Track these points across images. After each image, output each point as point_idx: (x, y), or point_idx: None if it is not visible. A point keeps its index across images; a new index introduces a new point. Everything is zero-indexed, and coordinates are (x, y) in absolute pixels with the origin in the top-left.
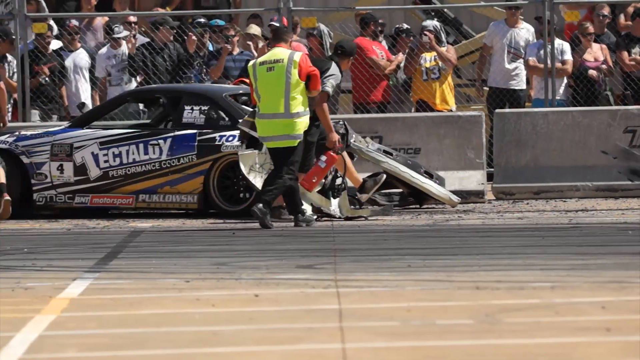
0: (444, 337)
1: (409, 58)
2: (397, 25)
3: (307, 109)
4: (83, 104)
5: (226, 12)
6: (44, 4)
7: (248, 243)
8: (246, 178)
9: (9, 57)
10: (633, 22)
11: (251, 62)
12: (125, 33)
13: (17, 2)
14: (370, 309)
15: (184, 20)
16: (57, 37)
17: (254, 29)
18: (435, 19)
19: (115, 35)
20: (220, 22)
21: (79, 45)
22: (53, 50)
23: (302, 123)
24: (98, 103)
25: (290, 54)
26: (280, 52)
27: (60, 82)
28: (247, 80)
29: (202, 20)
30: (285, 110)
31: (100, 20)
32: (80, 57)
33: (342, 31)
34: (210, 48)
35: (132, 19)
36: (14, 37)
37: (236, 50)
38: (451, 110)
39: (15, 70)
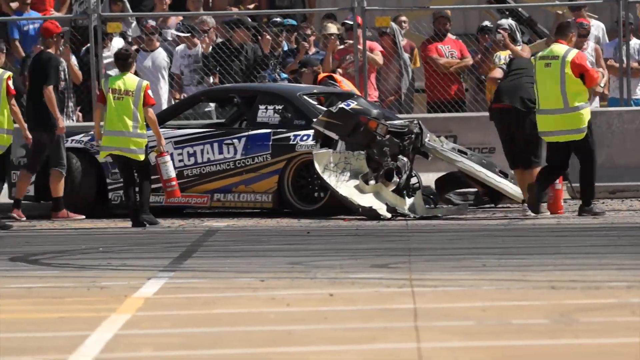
0: (520, 337)
1: (484, 57)
2: (482, 24)
3: (587, 102)
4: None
5: (301, 12)
6: (127, 4)
7: (323, 242)
8: (321, 177)
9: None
10: None
11: (532, 56)
12: (183, 34)
13: (91, 2)
14: (445, 308)
15: (258, 20)
16: (122, 36)
17: (332, 28)
18: (510, 18)
19: (178, 33)
20: (292, 22)
21: (157, 44)
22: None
23: (585, 116)
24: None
25: (566, 51)
26: (558, 49)
27: None
28: (335, 77)
29: (278, 19)
30: (564, 106)
31: (174, 20)
32: (158, 57)
33: (415, 30)
34: (285, 48)
35: (210, 21)
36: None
37: (312, 50)
38: None
39: (64, 68)
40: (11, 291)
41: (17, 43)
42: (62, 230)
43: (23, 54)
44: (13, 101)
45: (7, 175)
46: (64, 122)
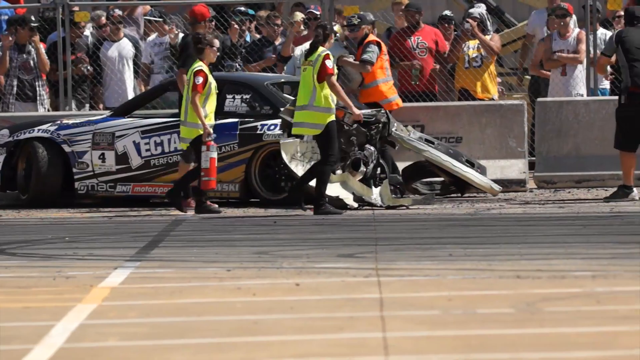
0: (485, 326)
1: (452, 46)
2: (442, 13)
3: None
4: None
5: (270, 0)
6: None
7: (289, 232)
8: (288, 167)
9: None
10: None
11: None
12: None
13: None
14: (411, 297)
15: (226, 9)
16: (96, 27)
17: (298, 17)
18: (479, 7)
19: (151, 18)
20: (250, 12)
21: (122, 35)
22: (83, 41)
23: None
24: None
25: None
26: None
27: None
28: (383, 48)
29: (242, 8)
30: None
31: (141, 10)
32: (124, 47)
33: (384, 19)
34: (248, 38)
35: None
36: (33, 24)
37: (278, 40)
38: (493, 99)
39: (34, 57)
40: None
41: None
42: (28, 220)
43: None
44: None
45: None
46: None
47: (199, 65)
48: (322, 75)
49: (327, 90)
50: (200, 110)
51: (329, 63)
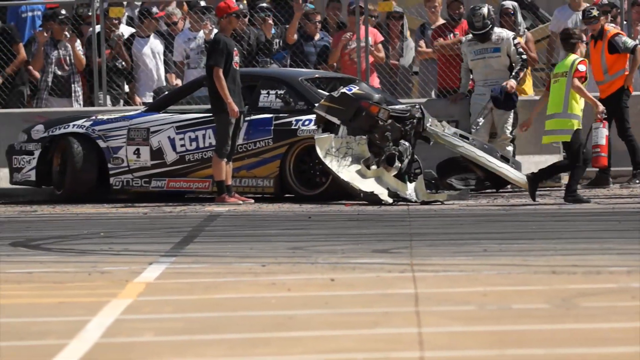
0: (520, 322)
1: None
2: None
3: None
4: (160, 89)
5: None
6: None
7: (324, 227)
8: (323, 162)
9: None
10: None
11: None
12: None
13: None
14: (446, 293)
15: (259, 4)
16: (129, 24)
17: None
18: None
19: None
20: (310, 6)
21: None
22: (121, 37)
23: None
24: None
25: None
26: None
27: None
28: None
29: (264, 4)
30: None
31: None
32: (156, 42)
33: (417, 15)
34: (273, 32)
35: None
36: (61, 17)
37: (317, 36)
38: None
39: (69, 53)
40: (12, 276)
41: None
42: (63, 215)
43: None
44: None
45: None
46: (235, 106)
47: (577, 56)
48: None
49: None
50: (588, 95)
51: None
